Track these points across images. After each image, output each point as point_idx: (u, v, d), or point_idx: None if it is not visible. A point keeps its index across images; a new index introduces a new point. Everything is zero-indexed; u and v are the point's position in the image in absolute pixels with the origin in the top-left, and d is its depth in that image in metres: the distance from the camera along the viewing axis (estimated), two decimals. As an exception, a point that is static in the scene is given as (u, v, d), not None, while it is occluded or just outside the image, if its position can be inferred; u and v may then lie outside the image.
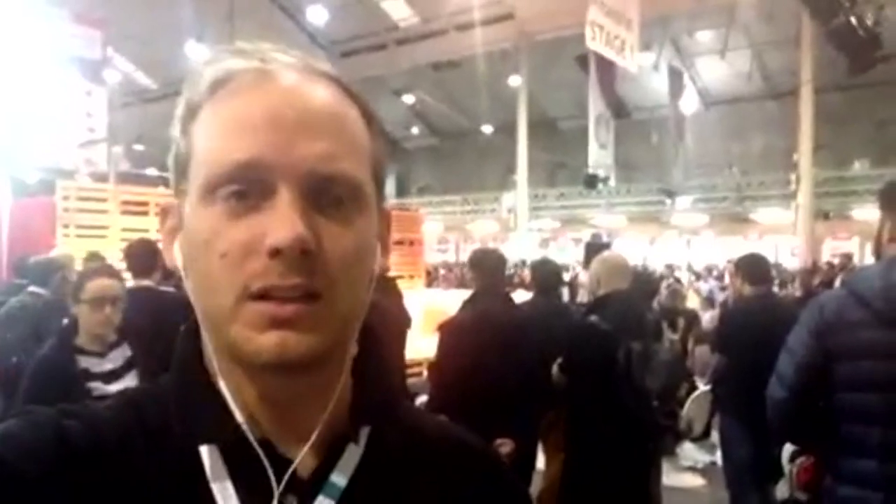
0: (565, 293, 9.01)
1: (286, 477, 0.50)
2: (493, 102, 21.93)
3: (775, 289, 7.98)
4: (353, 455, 0.54)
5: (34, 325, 4.16)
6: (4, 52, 10.25)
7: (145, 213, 6.34)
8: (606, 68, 13.55)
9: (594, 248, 11.64)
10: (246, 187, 0.48)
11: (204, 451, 0.51)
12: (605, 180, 15.12)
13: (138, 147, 23.05)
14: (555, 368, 3.42)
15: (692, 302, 8.99)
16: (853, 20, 10.59)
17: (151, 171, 14.33)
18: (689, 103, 19.42)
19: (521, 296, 4.57)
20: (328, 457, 0.53)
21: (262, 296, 0.47)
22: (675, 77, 17.89)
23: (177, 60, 17.71)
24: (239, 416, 0.51)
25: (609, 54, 11.95)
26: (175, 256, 0.54)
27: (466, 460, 0.62)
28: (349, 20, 20.79)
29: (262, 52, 0.53)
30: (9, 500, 0.46)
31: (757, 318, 3.69)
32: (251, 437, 0.51)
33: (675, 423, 4.44)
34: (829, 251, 18.06)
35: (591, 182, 14.79)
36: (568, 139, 22.63)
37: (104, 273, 2.57)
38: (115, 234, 6.16)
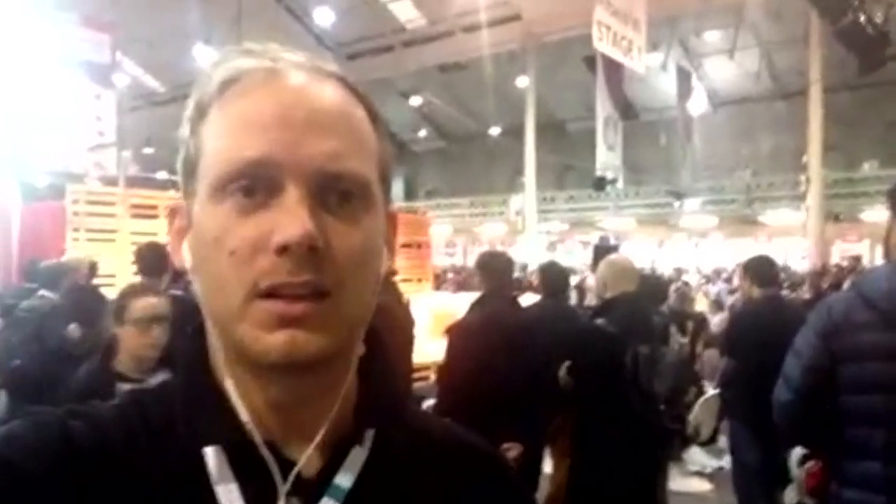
0: (573, 296, 8.97)
1: (291, 478, 0.50)
2: (501, 104, 21.85)
3: (785, 291, 7.95)
4: (358, 457, 0.54)
5: (37, 328, 4.20)
6: (14, 56, 10.30)
7: (155, 217, 6.35)
8: (614, 69, 13.51)
9: (602, 250, 11.60)
10: (255, 184, 0.49)
11: (209, 451, 0.51)
12: (614, 182, 15.06)
13: (147, 150, 23.12)
14: (562, 371, 3.42)
15: (701, 305, 8.94)
16: (862, 18, 10.49)
17: (161, 175, 14.38)
18: (698, 104, 19.30)
19: (528, 299, 4.55)
20: (333, 458, 0.53)
21: (271, 294, 0.48)
22: (684, 77, 17.77)
23: (185, 63, 17.78)
24: (244, 417, 0.51)
25: (616, 55, 11.92)
26: (184, 257, 0.54)
27: (472, 463, 0.62)
28: (356, 22, 20.80)
29: (271, 51, 0.53)
30: (14, 500, 0.46)
31: (765, 320, 3.68)
32: (256, 438, 0.51)
33: (682, 427, 4.42)
34: (839, 254, 17.95)
35: (600, 184, 14.72)
36: (576, 141, 22.53)
37: (148, 291, 2.42)
38: (124, 237, 6.16)
